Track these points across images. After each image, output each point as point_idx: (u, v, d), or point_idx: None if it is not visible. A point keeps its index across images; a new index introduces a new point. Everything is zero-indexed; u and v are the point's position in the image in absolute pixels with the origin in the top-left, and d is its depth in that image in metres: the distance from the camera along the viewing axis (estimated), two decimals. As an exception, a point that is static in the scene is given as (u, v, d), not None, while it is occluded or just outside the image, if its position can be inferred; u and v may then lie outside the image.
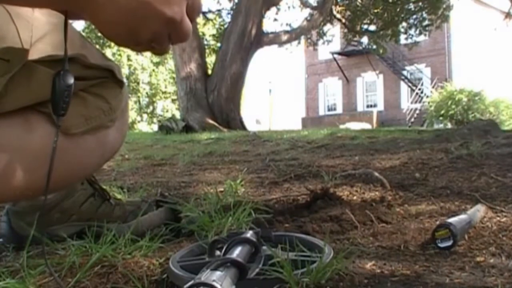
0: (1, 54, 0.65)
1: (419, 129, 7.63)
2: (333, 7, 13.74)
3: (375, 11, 14.25)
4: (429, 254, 1.01)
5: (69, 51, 0.64)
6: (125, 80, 0.85)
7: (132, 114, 28.14)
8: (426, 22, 14.65)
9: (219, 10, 14.96)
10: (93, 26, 0.58)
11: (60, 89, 0.63)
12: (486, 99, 18.23)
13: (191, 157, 3.47)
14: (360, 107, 27.94)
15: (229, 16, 13.32)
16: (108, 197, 1.26)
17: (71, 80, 0.64)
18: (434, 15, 13.90)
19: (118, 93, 0.81)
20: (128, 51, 24.11)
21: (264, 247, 0.86)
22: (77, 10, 0.57)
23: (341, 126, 13.76)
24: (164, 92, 29.71)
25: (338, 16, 14.56)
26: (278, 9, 14.00)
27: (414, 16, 14.72)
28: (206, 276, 0.62)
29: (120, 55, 26.66)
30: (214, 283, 0.60)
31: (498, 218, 1.27)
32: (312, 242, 0.96)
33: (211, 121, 9.91)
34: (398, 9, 14.26)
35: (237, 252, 0.77)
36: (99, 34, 0.61)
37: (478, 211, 1.27)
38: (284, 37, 11.95)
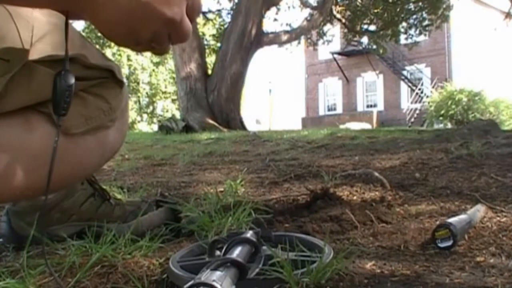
0: (1, 54, 0.65)
1: (419, 129, 7.63)
2: (333, 7, 13.74)
3: (375, 11, 14.25)
4: (429, 254, 1.01)
5: (70, 51, 0.64)
6: (125, 80, 0.85)
7: (132, 114, 28.15)
8: (426, 22, 14.65)
9: (219, 10, 14.96)
10: (93, 26, 0.58)
11: (61, 89, 0.63)
12: (486, 99, 18.23)
13: (191, 157, 3.47)
14: (360, 107, 27.94)
15: (229, 16, 13.32)
16: (108, 197, 1.26)
17: (72, 80, 0.64)
18: (434, 15, 13.90)
19: (118, 93, 0.81)
20: (128, 51, 24.11)
21: (264, 247, 0.86)
22: (77, 10, 0.57)
23: (341, 126, 13.76)
24: (164, 92, 29.71)
25: (338, 16, 14.56)
26: (278, 9, 14.01)
27: (414, 16, 14.72)
28: (206, 276, 0.62)
29: (120, 55, 26.66)
30: (214, 283, 0.60)
31: (498, 218, 1.27)
32: (312, 242, 0.96)
33: (211, 121, 9.91)
34: (398, 9, 14.26)
35: (237, 252, 0.77)
36: (99, 34, 0.61)
37: (478, 211, 1.27)
38: (284, 37, 11.95)
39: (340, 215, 1.32)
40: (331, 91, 29.31)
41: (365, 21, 14.90)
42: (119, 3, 0.53)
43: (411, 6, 14.42)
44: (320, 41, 15.84)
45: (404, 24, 14.90)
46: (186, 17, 0.59)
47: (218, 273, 0.64)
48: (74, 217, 1.19)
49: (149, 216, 1.26)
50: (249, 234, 0.85)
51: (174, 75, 14.52)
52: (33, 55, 0.68)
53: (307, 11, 13.52)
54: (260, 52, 21.42)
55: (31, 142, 0.69)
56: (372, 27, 15.16)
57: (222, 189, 1.91)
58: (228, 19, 13.85)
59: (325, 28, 15.32)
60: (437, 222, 1.21)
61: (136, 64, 28.35)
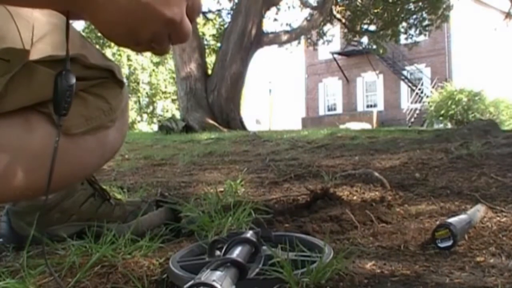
0: (1, 54, 0.65)
1: (419, 129, 7.63)
2: (333, 7, 13.74)
3: (375, 11, 14.25)
4: (429, 254, 1.01)
5: (70, 51, 0.64)
6: (125, 80, 0.85)
7: (132, 114, 28.15)
8: (426, 22, 14.64)
9: (219, 10, 14.96)
10: (93, 26, 0.58)
11: (62, 89, 0.63)
12: (486, 99, 18.22)
13: (191, 157, 3.47)
14: (360, 107, 27.94)
15: (229, 16, 13.32)
16: (108, 197, 1.26)
17: (73, 80, 0.64)
18: (434, 15, 13.90)
19: (118, 93, 0.81)
20: (128, 51, 24.11)
21: (264, 247, 0.86)
22: (77, 10, 0.57)
23: (341, 126, 13.76)
24: (164, 92, 29.71)
25: (338, 16, 14.56)
26: (278, 9, 14.00)
27: (414, 16, 14.72)
28: (206, 276, 0.62)
29: (120, 55, 26.66)
30: (214, 283, 0.60)
31: (498, 218, 1.27)
32: (312, 242, 0.96)
33: (211, 121, 9.91)
34: (398, 9, 14.26)
35: (237, 252, 0.77)
36: (99, 34, 0.61)
37: (478, 211, 1.27)
38: (284, 37, 11.95)
39: (340, 215, 1.32)
40: (331, 91, 29.31)
41: (365, 21, 14.90)
42: (119, 3, 0.53)
43: (411, 6, 14.42)
44: (320, 41, 15.84)
45: (404, 24, 14.90)
46: (186, 17, 0.59)
47: (218, 273, 0.64)
48: (74, 217, 1.19)
49: (149, 216, 1.26)
50: (249, 234, 0.85)
51: (174, 75, 14.52)
52: (33, 55, 0.68)
53: (307, 11, 13.52)
54: (260, 52, 21.43)
55: (31, 142, 0.69)
56: (372, 27, 15.16)
57: (222, 189, 1.91)
58: (228, 19, 13.86)
59: (325, 28, 15.32)
60: (437, 222, 1.21)
61: (136, 64, 28.35)
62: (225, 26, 13.12)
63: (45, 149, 0.68)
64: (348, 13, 14.67)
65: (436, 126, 17.33)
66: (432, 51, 24.86)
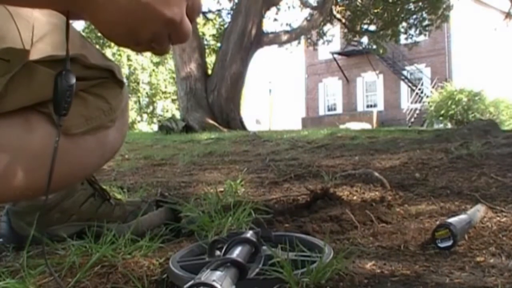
0: (1, 54, 0.65)
1: (419, 129, 7.63)
2: (333, 7, 13.74)
3: (375, 11, 14.25)
4: (429, 254, 1.01)
5: (70, 51, 0.64)
6: (125, 80, 0.85)
7: (132, 114, 28.15)
8: (426, 22, 14.64)
9: (219, 10, 14.96)
10: (93, 26, 0.58)
11: (62, 89, 0.63)
12: (486, 99, 18.22)
13: (191, 157, 3.47)
14: (360, 107, 27.94)
15: (229, 16, 13.32)
16: (108, 197, 1.26)
17: (73, 80, 0.64)
18: (434, 15, 13.90)
19: (118, 93, 0.81)
20: (128, 51, 24.11)
21: (264, 247, 0.86)
22: (77, 10, 0.57)
23: (341, 126, 13.76)
24: (164, 92, 29.71)
25: (338, 16, 14.56)
26: (278, 9, 14.00)
27: (414, 16, 14.72)
28: (206, 276, 0.62)
29: (120, 55, 26.67)
30: (214, 283, 0.60)
31: (498, 218, 1.27)
32: (312, 242, 0.96)
33: (211, 121, 9.91)
34: (398, 9, 14.26)
35: (237, 252, 0.77)
36: (99, 34, 0.61)
37: (478, 211, 1.27)
38: (284, 37, 11.95)
39: (340, 215, 1.32)
40: (331, 91, 29.31)
41: (365, 21, 14.90)
42: (119, 3, 0.53)
43: (411, 6, 14.42)
44: (320, 41, 15.84)
45: (404, 24, 14.89)
46: (186, 17, 0.59)
47: (218, 273, 0.64)
48: (74, 217, 1.19)
49: (149, 216, 1.26)
50: (249, 234, 0.85)
51: (174, 75, 14.52)
52: (33, 55, 0.68)
53: (307, 11, 13.52)
54: (260, 52, 21.43)
55: (31, 142, 0.69)
56: (372, 27, 15.16)
57: (222, 189, 1.91)
58: (228, 19, 13.86)
59: (325, 28, 15.32)
60: (437, 222, 1.21)
61: (136, 64, 28.35)
62: (225, 26, 13.12)
63: (45, 149, 0.68)
64: (348, 13, 14.66)
65: (436, 126, 17.33)
66: (432, 51, 24.86)
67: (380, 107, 26.94)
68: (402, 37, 15.93)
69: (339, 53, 27.12)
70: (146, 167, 3.03)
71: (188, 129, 9.26)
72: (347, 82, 28.20)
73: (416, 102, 25.19)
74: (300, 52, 27.94)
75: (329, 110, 29.16)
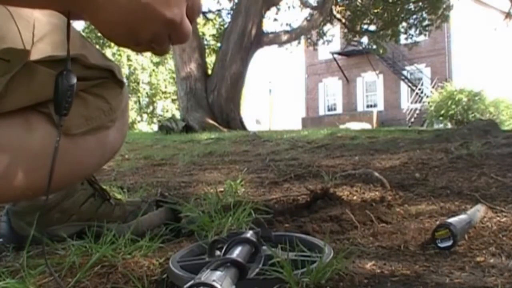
0: (1, 54, 0.65)
1: (419, 129, 7.63)
2: (333, 7, 13.74)
3: (375, 11, 14.25)
4: (429, 254, 1.01)
5: (70, 51, 0.65)
6: (125, 80, 0.85)
7: (132, 114, 28.15)
8: (426, 22, 14.65)
9: (219, 10, 14.96)
10: (93, 26, 0.58)
11: (63, 88, 0.63)
12: (486, 99, 18.22)
13: (191, 157, 3.48)
14: (360, 107, 27.94)
15: (229, 16, 13.32)
16: (108, 197, 1.26)
17: (74, 80, 0.64)
18: (434, 15, 13.90)
19: (118, 94, 0.81)
20: (128, 51, 24.11)
21: (264, 247, 0.86)
22: (77, 10, 0.57)
23: (341, 126, 13.76)
24: (164, 92, 29.71)
25: (338, 16, 14.56)
26: (278, 9, 14.01)
27: (414, 16, 14.72)
28: (206, 276, 0.62)
29: (120, 55, 26.67)
30: (214, 283, 0.60)
31: (498, 218, 1.27)
32: (312, 242, 0.96)
33: (211, 121, 9.91)
34: (398, 9, 14.26)
35: (237, 252, 0.77)
36: (99, 34, 0.61)
37: (478, 211, 1.27)
38: (284, 37, 11.95)
39: (340, 215, 1.32)
40: (331, 91, 29.31)
41: (365, 21, 14.91)
42: (119, 3, 0.53)
43: (411, 6, 14.42)
44: (320, 41, 15.84)
45: (404, 24, 14.90)
46: (186, 18, 0.59)
47: (218, 273, 0.64)
48: (74, 217, 1.20)
49: (149, 216, 1.26)
50: (249, 234, 0.85)
51: (174, 75, 14.52)
52: (34, 55, 0.68)
53: (307, 11, 13.52)
54: (260, 52, 21.43)
55: (31, 142, 0.69)
56: (372, 27, 15.16)
57: (222, 189, 1.91)
58: (228, 19, 13.86)
59: (325, 28, 15.32)
60: (437, 222, 1.21)
61: (136, 64, 28.35)
62: (225, 26, 13.12)
63: (45, 149, 0.68)
64: (348, 13, 14.67)
65: (436, 126, 17.33)
66: (432, 51, 24.86)
67: (380, 107, 26.94)
68: (402, 37, 15.94)
69: (339, 53, 27.12)
70: (146, 167, 3.03)
71: (188, 129, 9.26)
72: (347, 82, 28.20)
73: (416, 102, 25.19)
74: (300, 52, 27.97)
75: (329, 110, 29.17)
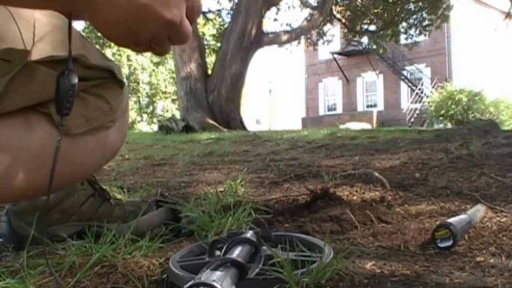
0: (2, 54, 0.65)
1: (419, 129, 7.63)
2: (333, 7, 13.74)
3: (375, 11, 14.25)
4: (429, 254, 1.01)
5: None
6: (125, 80, 0.85)
7: (132, 114, 28.15)
8: (426, 22, 14.65)
9: (219, 10, 14.96)
10: (93, 26, 0.58)
11: (65, 88, 0.63)
12: (486, 99, 18.22)
13: (191, 157, 3.48)
14: (360, 107, 27.94)
15: (229, 16, 13.32)
16: (108, 197, 1.26)
17: (75, 80, 0.64)
18: (434, 15, 13.90)
19: (118, 94, 0.81)
20: (128, 51, 24.12)
21: (264, 247, 0.86)
22: (77, 11, 0.57)
23: (341, 126, 13.76)
24: (164, 92, 29.72)
25: (338, 16, 14.56)
26: (278, 9, 14.00)
27: (414, 16, 14.72)
28: (206, 276, 0.62)
29: (120, 55, 26.67)
30: (214, 283, 0.60)
31: (498, 218, 1.27)
32: (312, 242, 0.96)
33: (211, 121, 9.91)
34: (398, 9, 14.26)
35: (237, 252, 0.77)
36: (99, 34, 0.61)
37: (478, 211, 1.27)
38: (284, 37, 11.96)
39: (340, 215, 1.32)
40: (331, 91, 29.31)
41: (365, 21, 14.91)
42: (119, 4, 0.53)
43: (411, 6, 14.42)
44: (320, 41, 15.84)
45: (404, 24, 14.90)
46: (186, 18, 0.59)
47: (218, 273, 0.64)
48: (74, 217, 1.20)
49: (149, 216, 1.26)
50: (249, 234, 0.85)
51: (174, 75, 14.52)
52: (34, 56, 0.68)
53: (307, 11, 13.52)
54: (260, 52, 21.44)
55: (31, 142, 0.69)
56: (372, 27, 15.16)
57: (222, 189, 1.91)
58: (228, 19, 13.86)
59: (325, 28, 15.32)
60: (437, 222, 1.21)
61: (136, 64, 28.36)
62: (225, 26, 13.12)
63: (45, 149, 0.68)
64: (348, 13, 14.67)
65: (436, 126, 17.33)
66: (432, 51, 24.86)
67: (380, 107, 26.94)
68: (402, 37, 15.94)
69: (339, 53, 27.12)
70: (146, 167, 3.03)
71: (188, 129, 9.26)
72: (347, 82, 28.20)
73: (416, 102, 25.19)
74: (300, 52, 27.97)
75: (329, 110, 29.17)
